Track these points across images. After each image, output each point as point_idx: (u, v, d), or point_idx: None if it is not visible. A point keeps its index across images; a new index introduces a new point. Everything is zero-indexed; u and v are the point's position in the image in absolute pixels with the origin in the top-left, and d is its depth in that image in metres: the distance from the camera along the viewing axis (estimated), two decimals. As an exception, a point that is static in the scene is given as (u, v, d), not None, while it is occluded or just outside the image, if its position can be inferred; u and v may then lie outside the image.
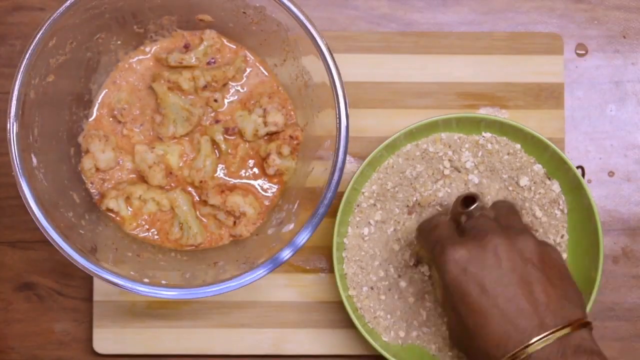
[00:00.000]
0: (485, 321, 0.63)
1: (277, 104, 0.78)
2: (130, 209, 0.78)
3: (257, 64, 0.80)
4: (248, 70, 0.80)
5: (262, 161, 0.78)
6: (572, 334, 0.62)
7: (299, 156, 0.79)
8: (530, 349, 0.61)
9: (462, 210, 0.69)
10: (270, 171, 0.78)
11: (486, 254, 0.65)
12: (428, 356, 0.78)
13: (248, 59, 0.80)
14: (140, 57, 0.79)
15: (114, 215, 0.77)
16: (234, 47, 0.80)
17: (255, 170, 0.80)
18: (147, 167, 0.78)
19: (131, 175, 0.79)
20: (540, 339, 0.61)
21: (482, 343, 0.63)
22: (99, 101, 0.79)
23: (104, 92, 0.79)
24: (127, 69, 0.79)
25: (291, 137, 0.78)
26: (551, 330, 0.62)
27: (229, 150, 0.78)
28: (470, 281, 0.64)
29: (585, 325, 0.63)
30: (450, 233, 0.68)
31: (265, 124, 0.78)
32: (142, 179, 0.78)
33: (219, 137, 0.78)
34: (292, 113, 0.80)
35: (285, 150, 0.77)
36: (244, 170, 0.79)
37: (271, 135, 0.79)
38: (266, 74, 0.80)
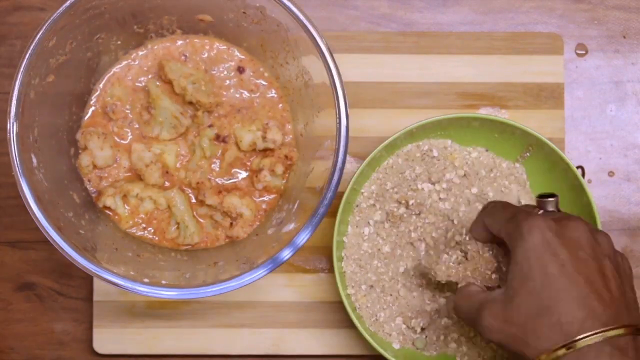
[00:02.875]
0: (559, 299, 0.61)
1: (278, 122, 0.78)
2: (128, 207, 0.78)
3: (263, 80, 0.80)
4: (251, 77, 0.80)
5: (252, 173, 0.79)
6: (624, 336, 0.61)
7: (290, 174, 0.79)
8: (586, 341, 0.60)
9: (540, 200, 0.68)
10: (259, 186, 0.78)
11: (571, 231, 0.63)
12: (427, 355, 0.79)
13: (251, 70, 0.80)
14: (140, 53, 0.79)
15: (111, 213, 0.77)
16: (240, 54, 0.80)
17: (242, 179, 0.80)
18: (144, 166, 0.78)
19: (127, 174, 0.79)
20: (600, 332, 0.60)
21: (547, 321, 0.61)
22: (94, 99, 0.79)
23: (100, 89, 0.79)
24: (124, 68, 0.79)
25: (286, 156, 0.78)
26: (620, 327, 0.60)
27: (217, 154, 0.79)
28: (553, 252, 0.62)
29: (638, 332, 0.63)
30: (528, 208, 0.68)
31: (264, 139, 0.78)
32: (139, 177, 0.78)
33: (205, 143, 0.78)
34: (289, 127, 0.80)
35: (279, 169, 0.78)
36: (226, 177, 0.79)
37: (265, 151, 0.79)
38: (275, 95, 0.80)
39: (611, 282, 0.62)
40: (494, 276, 0.70)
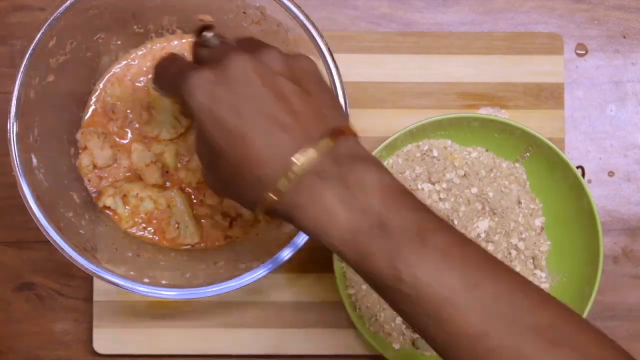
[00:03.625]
0: (248, 146, 0.55)
1: None
2: (128, 207, 0.78)
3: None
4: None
5: None
6: (339, 144, 0.55)
7: None
8: (297, 168, 0.54)
9: (197, 40, 0.61)
10: None
11: (231, 72, 0.56)
12: (427, 354, 0.78)
13: None
14: (139, 52, 0.79)
15: (111, 213, 0.77)
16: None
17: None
18: (144, 166, 0.78)
19: (127, 174, 0.79)
20: (306, 152, 0.54)
21: (248, 173, 0.55)
22: (94, 98, 0.79)
23: (100, 89, 0.79)
24: (124, 68, 0.79)
25: None
26: (316, 142, 0.55)
27: None
28: (222, 105, 0.56)
29: (351, 134, 0.57)
30: (190, 64, 0.60)
31: None
32: (139, 177, 0.78)
33: None
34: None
35: None
36: None
37: None
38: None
39: (293, 98, 0.56)
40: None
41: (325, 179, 0.54)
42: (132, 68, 0.79)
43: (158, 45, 0.79)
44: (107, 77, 0.79)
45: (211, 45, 0.61)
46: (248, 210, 0.77)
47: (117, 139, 0.79)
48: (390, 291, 0.55)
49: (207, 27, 0.62)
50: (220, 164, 0.57)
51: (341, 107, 0.60)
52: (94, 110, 0.79)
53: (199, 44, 0.62)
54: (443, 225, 0.55)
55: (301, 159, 0.54)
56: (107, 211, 0.77)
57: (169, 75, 0.60)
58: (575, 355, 0.53)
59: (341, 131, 0.56)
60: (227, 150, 0.56)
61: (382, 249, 0.54)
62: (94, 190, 0.78)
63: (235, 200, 0.60)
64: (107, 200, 0.77)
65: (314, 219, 0.55)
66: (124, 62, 0.79)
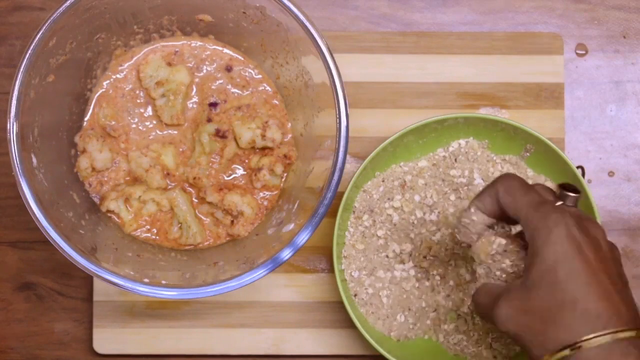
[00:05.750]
0: (584, 292, 0.60)
1: (278, 121, 0.78)
2: (131, 210, 0.78)
3: (253, 77, 0.80)
4: (250, 73, 0.80)
5: (251, 172, 0.79)
6: (632, 339, 0.60)
7: (289, 173, 0.79)
8: (596, 341, 0.59)
9: (563, 193, 0.66)
10: (258, 185, 0.78)
11: (591, 232, 0.62)
12: (427, 355, 0.78)
13: (249, 69, 0.80)
14: (125, 64, 0.79)
15: (114, 217, 0.77)
16: (237, 55, 0.80)
17: (241, 176, 0.80)
18: (144, 172, 0.78)
19: (127, 177, 0.79)
20: (610, 332, 0.59)
21: (568, 313, 0.60)
22: (94, 100, 0.79)
23: (100, 91, 0.79)
24: (109, 85, 0.79)
25: (285, 156, 0.78)
26: (623, 328, 0.60)
27: (217, 151, 0.79)
28: (579, 249, 0.60)
29: None
30: (549, 197, 0.66)
31: (263, 137, 0.78)
32: (138, 179, 0.78)
33: (205, 138, 0.78)
34: (289, 126, 0.80)
35: (278, 169, 0.78)
36: (227, 174, 0.79)
37: (264, 150, 0.79)
38: (269, 89, 0.80)
39: (623, 285, 0.62)
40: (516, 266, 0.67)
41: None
42: (118, 82, 0.79)
43: (159, 44, 0.80)
44: (95, 98, 0.79)
45: (567, 203, 0.65)
46: (249, 208, 0.77)
47: (115, 142, 0.79)
48: None
49: (574, 190, 0.66)
50: (540, 293, 0.61)
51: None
52: (93, 112, 0.79)
53: (557, 196, 0.66)
54: None
55: (607, 336, 0.59)
56: (111, 215, 0.77)
57: (530, 197, 0.64)
58: None
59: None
60: (559, 285, 0.60)
61: None
62: (95, 195, 0.78)
63: (519, 330, 0.62)
64: (111, 204, 0.77)
65: None
66: (106, 81, 0.79)
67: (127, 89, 0.79)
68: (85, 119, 0.79)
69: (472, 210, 0.66)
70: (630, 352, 0.58)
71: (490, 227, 0.67)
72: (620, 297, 0.60)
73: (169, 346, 0.83)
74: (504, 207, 0.65)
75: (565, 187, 0.67)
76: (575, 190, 0.66)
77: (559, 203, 0.64)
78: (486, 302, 0.65)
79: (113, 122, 0.78)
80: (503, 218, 0.67)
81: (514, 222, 0.66)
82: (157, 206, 0.78)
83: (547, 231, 0.61)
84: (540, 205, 0.63)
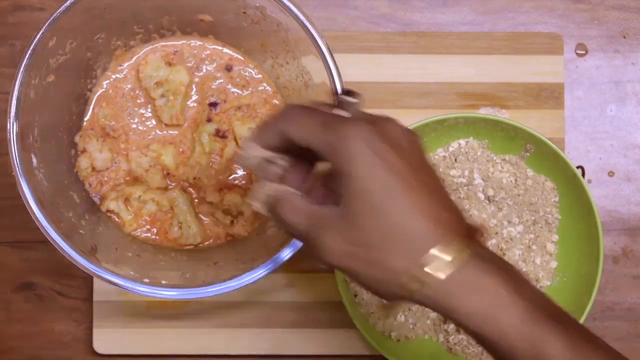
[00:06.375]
0: (409, 212, 0.54)
1: None
2: (131, 210, 0.78)
3: (253, 76, 0.80)
4: (250, 73, 0.80)
5: (252, 171, 0.79)
6: (470, 245, 0.54)
7: None
8: (438, 262, 0.53)
9: (342, 99, 0.59)
10: None
11: (389, 134, 0.55)
12: (427, 354, 0.79)
13: (249, 69, 0.80)
14: (138, 48, 0.79)
15: (114, 217, 0.77)
16: (237, 55, 0.80)
17: (241, 176, 0.80)
18: (144, 171, 0.78)
19: (127, 177, 0.79)
20: (443, 249, 0.53)
21: (401, 236, 0.53)
22: (94, 100, 0.79)
23: (100, 91, 0.79)
24: (109, 86, 0.79)
25: None
26: (461, 239, 0.54)
27: (217, 150, 0.79)
28: (385, 161, 0.54)
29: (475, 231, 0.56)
30: (336, 115, 0.57)
31: None
32: (138, 179, 0.78)
33: (205, 138, 0.78)
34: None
35: None
36: (227, 174, 0.79)
37: None
38: (269, 89, 0.80)
39: (442, 184, 0.56)
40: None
41: (465, 283, 0.54)
42: (118, 82, 0.79)
43: (159, 44, 0.80)
44: (95, 98, 0.79)
45: (349, 110, 0.59)
46: (248, 208, 0.77)
47: (116, 143, 0.79)
48: None
49: (351, 93, 0.60)
50: (363, 221, 0.54)
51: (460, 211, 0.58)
52: (93, 112, 0.79)
53: (334, 105, 0.59)
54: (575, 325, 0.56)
55: (445, 256, 0.54)
56: (111, 215, 0.77)
57: (317, 119, 0.56)
58: None
59: (473, 230, 0.56)
60: (380, 208, 0.54)
61: (558, 339, 0.53)
62: (95, 195, 0.78)
63: (356, 267, 0.55)
64: (111, 204, 0.77)
65: (475, 309, 0.54)
66: (106, 81, 0.79)
67: (126, 89, 0.79)
68: (85, 119, 0.79)
69: (249, 145, 0.58)
70: (478, 265, 0.54)
71: (273, 162, 0.58)
72: (442, 205, 0.55)
73: (169, 346, 0.83)
74: (295, 139, 0.56)
75: (343, 94, 0.60)
76: (354, 95, 0.59)
77: (342, 113, 0.58)
78: (296, 222, 0.57)
79: (113, 122, 0.78)
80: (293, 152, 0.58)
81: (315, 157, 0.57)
82: (157, 206, 0.78)
83: (344, 150, 0.54)
84: (328, 124, 0.55)
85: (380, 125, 0.56)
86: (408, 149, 0.56)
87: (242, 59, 0.80)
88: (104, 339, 0.82)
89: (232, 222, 0.78)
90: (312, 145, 0.56)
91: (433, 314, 0.79)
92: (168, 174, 0.79)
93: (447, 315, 0.55)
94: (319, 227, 0.55)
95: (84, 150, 0.78)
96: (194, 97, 0.80)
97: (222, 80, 0.79)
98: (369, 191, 0.54)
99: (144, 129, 0.79)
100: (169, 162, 0.78)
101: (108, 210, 0.77)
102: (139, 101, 0.79)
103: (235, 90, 0.79)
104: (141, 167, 0.78)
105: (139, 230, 0.78)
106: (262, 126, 0.58)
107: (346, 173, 0.54)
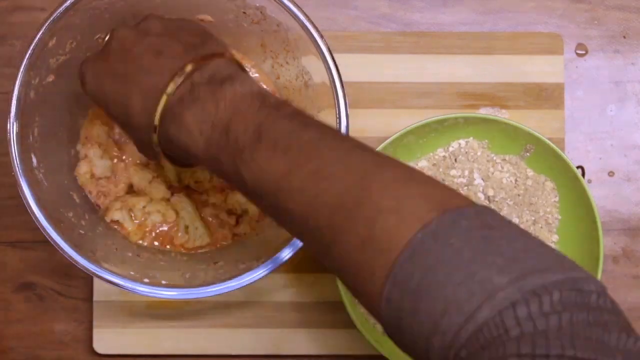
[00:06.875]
0: (129, 106, 0.62)
1: None
2: (136, 221, 0.77)
3: (257, 72, 0.80)
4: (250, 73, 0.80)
5: None
6: (203, 67, 0.60)
7: None
8: (164, 99, 0.60)
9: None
10: None
11: (111, 45, 0.64)
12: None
13: (249, 69, 0.80)
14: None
15: (118, 228, 0.77)
16: (236, 55, 0.80)
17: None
18: (147, 184, 0.77)
19: (129, 186, 0.78)
20: (173, 81, 0.60)
21: (135, 122, 0.62)
22: (82, 134, 0.79)
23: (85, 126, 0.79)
24: None
25: None
26: (182, 70, 0.60)
27: None
28: (103, 75, 0.64)
29: (222, 56, 0.62)
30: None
31: None
32: (141, 192, 0.78)
33: None
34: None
35: None
36: None
37: None
38: (269, 89, 0.80)
39: (167, 46, 0.63)
40: None
41: (185, 102, 0.59)
42: None
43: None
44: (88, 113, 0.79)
45: None
46: (253, 206, 0.77)
47: (117, 151, 0.78)
48: (248, 196, 0.59)
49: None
50: (115, 58, 0.63)
51: (216, 39, 0.64)
52: (91, 114, 0.79)
53: None
54: (286, 118, 0.56)
55: (169, 89, 0.60)
56: (115, 225, 0.77)
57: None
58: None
59: (211, 55, 0.61)
60: (116, 116, 0.63)
61: (227, 154, 0.56)
62: (94, 201, 0.78)
63: (112, 98, 0.64)
64: (115, 214, 0.76)
65: (184, 144, 0.59)
66: None
67: None
68: (85, 119, 0.79)
69: None
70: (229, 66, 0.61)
71: None
72: (177, 40, 0.63)
73: (169, 346, 0.83)
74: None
75: None
76: None
77: None
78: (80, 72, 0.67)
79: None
80: None
81: None
82: (162, 217, 0.77)
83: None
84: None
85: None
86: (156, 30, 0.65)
87: (242, 59, 0.80)
88: (104, 339, 0.82)
89: (237, 221, 0.78)
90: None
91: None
92: (171, 186, 0.78)
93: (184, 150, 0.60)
94: (84, 62, 0.66)
95: (84, 157, 0.77)
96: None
97: None
98: (123, 37, 0.64)
99: None
100: (172, 176, 0.77)
101: (112, 221, 0.77)
102: None
103: None
104: (145, 180, 0.77)
105: (144, 240, 0.77)
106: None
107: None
